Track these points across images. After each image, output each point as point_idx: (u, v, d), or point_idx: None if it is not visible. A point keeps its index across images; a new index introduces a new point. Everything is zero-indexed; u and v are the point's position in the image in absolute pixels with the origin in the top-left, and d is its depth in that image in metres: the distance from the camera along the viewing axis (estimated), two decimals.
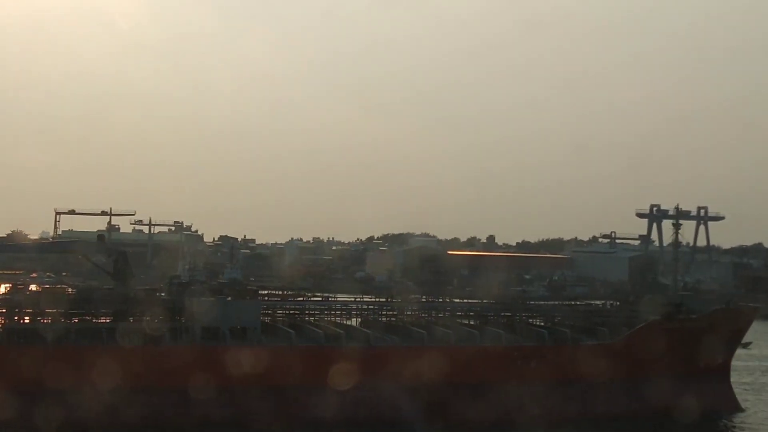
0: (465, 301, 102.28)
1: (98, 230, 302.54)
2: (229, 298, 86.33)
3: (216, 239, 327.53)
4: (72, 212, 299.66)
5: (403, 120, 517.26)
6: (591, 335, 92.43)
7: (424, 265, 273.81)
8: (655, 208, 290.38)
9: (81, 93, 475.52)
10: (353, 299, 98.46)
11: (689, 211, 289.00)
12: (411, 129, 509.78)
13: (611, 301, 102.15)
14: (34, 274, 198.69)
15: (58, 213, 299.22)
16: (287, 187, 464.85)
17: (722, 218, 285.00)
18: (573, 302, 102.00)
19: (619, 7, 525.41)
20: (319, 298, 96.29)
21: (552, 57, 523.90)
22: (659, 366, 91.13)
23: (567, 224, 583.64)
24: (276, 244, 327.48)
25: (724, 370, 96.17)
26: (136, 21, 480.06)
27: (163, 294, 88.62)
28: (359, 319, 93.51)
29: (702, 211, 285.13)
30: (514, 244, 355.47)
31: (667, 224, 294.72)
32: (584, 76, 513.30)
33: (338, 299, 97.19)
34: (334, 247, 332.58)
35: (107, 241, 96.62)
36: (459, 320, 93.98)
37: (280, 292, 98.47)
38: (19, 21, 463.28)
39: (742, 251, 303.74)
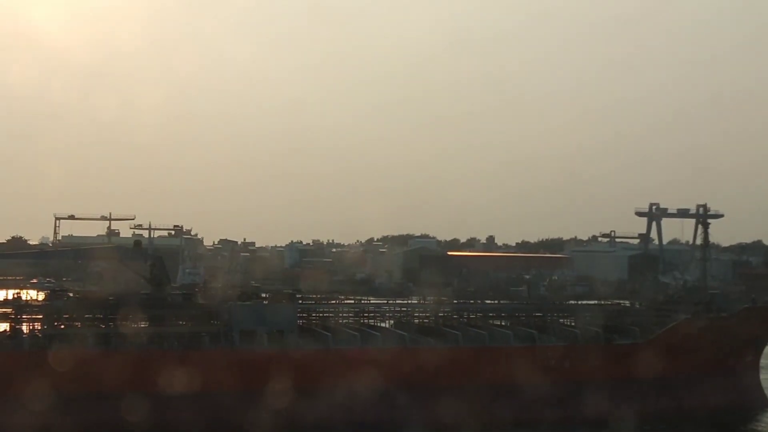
0: (497, 302, 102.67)
1: (98, 234, 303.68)
2: (266, 302, 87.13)
3: (216, 243, 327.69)
4: (72, 217, 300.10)
5: (402, 121, 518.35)
6: (622, 335, 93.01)
7: (424, 266, 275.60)
8: (654, 207, 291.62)
9: (76, 89, 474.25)
10: (385, 301, 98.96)
11: (688, 209, 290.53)
12: (409, 130, 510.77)
13: (639, 302, 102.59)
14: (34, 280, 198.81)
15: (57, 218, 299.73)
16: (287, 190, 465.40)
17: (721, 216, 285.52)
18: (602, 302, 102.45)
19: (616, 4, 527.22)
20: (352, 301, 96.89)
21: (549, 55, 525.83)
22: (691, 364, 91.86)
23: (566, 224, 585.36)
24: (276, 246, 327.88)
25: (754, 367, 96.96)
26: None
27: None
28: (392, 321, 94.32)
29: (701, 209, 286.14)
30: (514, 244, 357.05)
31: (666, 222, 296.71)
32: (582, 75, 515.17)
33: (371, 301, 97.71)
34: (334, 249, 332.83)
35: (144, 247, 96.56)
36: (491, 321, 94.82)
37: (315, 296, 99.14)
38: None
39: (741, 249, 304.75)
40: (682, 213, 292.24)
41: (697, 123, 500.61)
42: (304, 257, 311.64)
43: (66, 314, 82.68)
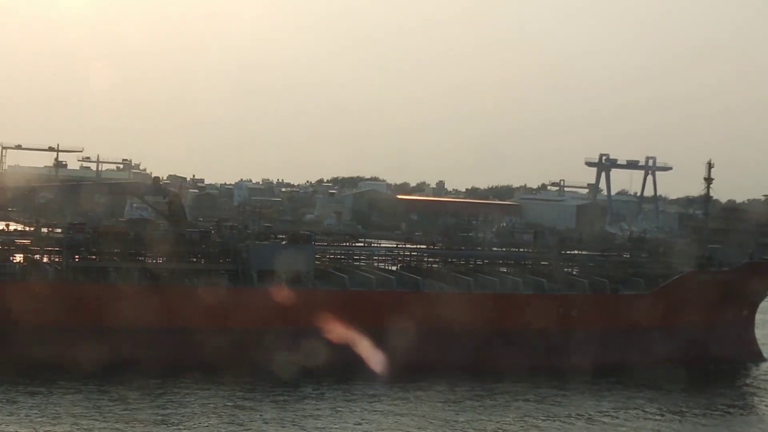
0: (507, 250, 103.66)
1: (45, 165, 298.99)
2: (284, 243, 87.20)
3: (164, 178, 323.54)
4: (18, 147, 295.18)
5: (357, 62, 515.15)
6: (627, 285, 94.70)
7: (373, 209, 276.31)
8: (604, 157, 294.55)
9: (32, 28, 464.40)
10: (395, 245, 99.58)
11: (637, 161, 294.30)
12: (364, 72, 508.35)
13: (643, 253, 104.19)
14: None
15: (4, 148, 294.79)
16: (237, 128, 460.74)
17: (669, 168, 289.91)
18: (603, 252, 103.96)
19: None
20: (362, 244, 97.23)
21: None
22: (692, 316, 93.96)
23: (516, 171, 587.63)
24: (225, 184, 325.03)
25: (749, 321, 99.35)
26: None
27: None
28: (400, 265, 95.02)
29: (650, 161, 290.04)
30: (464, 190, 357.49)
31: (615, 173, 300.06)
32: (535, 23, 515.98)
33: (381, 245, 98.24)
34: (283, 189, 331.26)
35: (161, 183, 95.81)
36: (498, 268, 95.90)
37: (327, 237, 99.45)
38: None
39: (688, 201, 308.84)
40: (632, 164, 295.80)
41: (648, 74, 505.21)
42: (253, 196, 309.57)
43: (83, 248, 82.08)
